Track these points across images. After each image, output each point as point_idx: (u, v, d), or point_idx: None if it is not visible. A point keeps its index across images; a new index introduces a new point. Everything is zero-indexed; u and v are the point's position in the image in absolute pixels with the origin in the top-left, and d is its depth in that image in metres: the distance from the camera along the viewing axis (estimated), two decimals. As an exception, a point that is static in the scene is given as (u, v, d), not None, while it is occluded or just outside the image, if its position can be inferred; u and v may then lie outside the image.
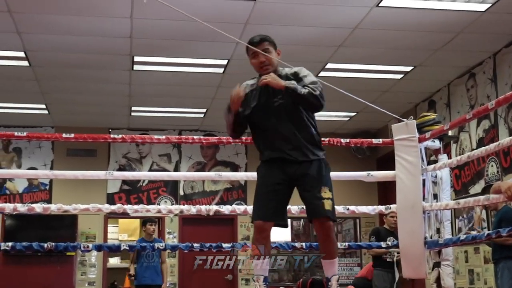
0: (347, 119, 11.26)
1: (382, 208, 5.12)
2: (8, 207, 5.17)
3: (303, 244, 5.29)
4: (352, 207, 5.01)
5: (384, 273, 7.91)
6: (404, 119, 4.73)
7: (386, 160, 10.22)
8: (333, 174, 5.29)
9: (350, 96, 5.12)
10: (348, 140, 5.27)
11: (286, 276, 12.05)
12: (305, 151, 3.80)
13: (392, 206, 4.87)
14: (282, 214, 3.85)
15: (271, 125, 3.82)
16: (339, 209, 4.96)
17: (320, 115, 12.84)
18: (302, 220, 12.26)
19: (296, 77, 3.86)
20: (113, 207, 5.33)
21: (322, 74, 8.55)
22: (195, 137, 5.40)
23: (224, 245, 5.10)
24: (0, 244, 5.08)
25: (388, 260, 7.86)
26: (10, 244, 4.82)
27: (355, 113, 10.89)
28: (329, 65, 8.55)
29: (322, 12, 7.01)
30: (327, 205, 3.67)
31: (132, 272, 8.63)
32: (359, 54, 8.24)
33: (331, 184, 3.85)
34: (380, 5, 6.78)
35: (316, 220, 3.74)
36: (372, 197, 10.97)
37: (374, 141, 5.27)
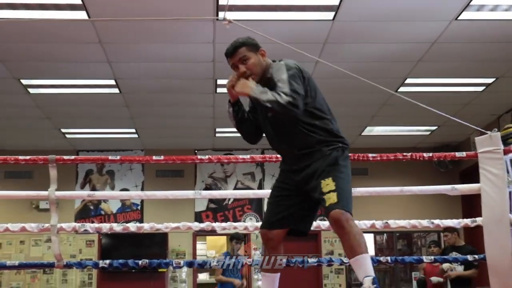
0: (428, 133, 11.05)
1: (467, 221, 4.96)
2: (105, 227, 5.28)
3: (388, 258, 5.19)
4: (436, 221, 4.87)
5: None
6: (487, 131, 4.58)
7: (469, 174, 10.00)
8: (416, 189, 5.20)
9: (431, 110, 5.02)
10: (431, 154, 5.13)
11: None
12: (304, 156, 3.29)
13: (478, 219, 4.71)
14: (298, 221, 3.42)
15: (269, 135, 3.44)
16: (424, 223, 4.83)
17: (400, 130, 12.67)
18: (385, 234, 12.07)
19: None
20: (202, 225, 5.36)
21: (402, 89, 8.42)
22: (278, 155, 5.39)
23: (309, 260, 5.06)
24: (99, 262, 5.18)
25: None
26: (107, 261, 4.90)
27: (436, 127, 10.67)
28: (408, 80, 8.41)
29: (400, 28, 6.92)
30: (329, 199, 3.09)
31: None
32: (438, 68, 8.07)
33: (338, 171, 3.21)
34: (458, 18, 6.63)
35: (328, 219, 3.16)
36: (455, 211, 10.67)
37: (458, 154, 5.11)
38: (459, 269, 8.00)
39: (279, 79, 3.20)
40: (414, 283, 10.28)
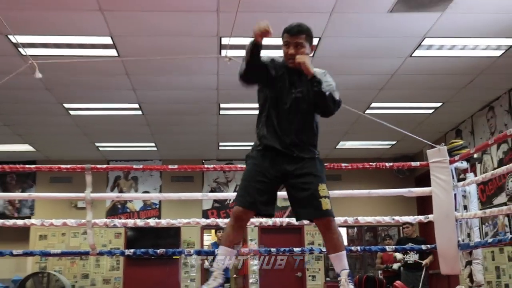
0: (389, 146, 11.09)
1: (421, 217, 4.98)
2: (130, 222, 5.30)
3: (358, 247, 5.20)
4: (397, 217, 4.90)
5: (409, 273, 7.84)
6: (436, 145, 4.61)
7: (423, 179, 9.94)
8: (380, 191, 5.23)
9: (391, 128, 5.05)
10: (391, 164, 5.17)
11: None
12: (305, 149, 2.97)
13: (430, 216, 4.72)
14: (268, 205, 2.97)
15: (281, 113, 2.97)
16: (387, 219, 4.85)
17: (366, 144, 12.67)
18: (355, 228, 12.06)
19: (321, 77, 3.02)
20: (208, 221, 5.36)
21: (368, 111, 8.45)
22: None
23: (295, 249, 5.06)
24: (125, 250, 5.17)
25: (408, 262, 7.83)
26: (132, 250, 4.91)
27: (396, 142, 10.71)
28: (373, 104, 8.45)
29: (366, 63, 6.99)
30: (325, 204, 2.88)
31: None
32: (397, 95, 8.13)
33: (326, 180, 3.01)
34: (412, 55, 6.70)
35: (317, 220, 2.95)
36: (412, 209, 10.66)
37: (413, 164, 5.14)
38: (415, 257, 8.03)
39: (330, 83, 3.02)
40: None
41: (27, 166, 5.03)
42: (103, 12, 5.58)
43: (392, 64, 7.01)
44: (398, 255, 8.30)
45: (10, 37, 5.98)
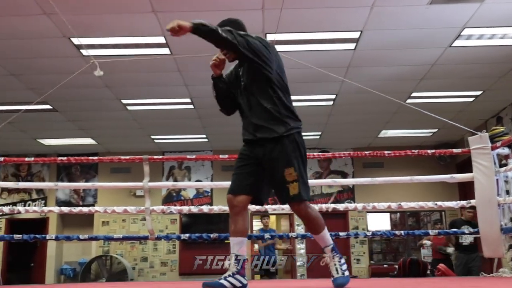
0: (430, 134, 10.83)
1: (463, 203, 4.85)
2: (185, 209, 5.37)
3: (402, 232, 5.11)
4: (439, 203, 4.79)
5: (464, 255, 7.55)
6: (477, 132, 4.47)
7: (464, 165, 9.75)
8: (423, 178, 5.11)
9: (433, 116, 4.93)
10: (433, 151, 5.04)
11: (388, 256, 11.69)
12: (266, 129, 2.75)
13: (472, 201, 4.59)
14: (257, 191, 2.80)
15: (243, 106, 2.89)
16: (429, 204, 4.74)
17: (408, 132, 12.40)
18: (398, 213, 11.87)
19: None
20: (256, 207, 5.38)
21: (409, 101, 8.28)
22: (314, 153, 5.36)
23: (340, 233, 5.01)
24: (180, 235, 5.24)
25: (464, 244, 7.53)
26: (187, 235, 4.97)
27: (437, 130, 10.44)
28: (414, 94, 8.26)
29: (406, 54, 6.82)
30: (293, 189, 2.67)
31: None
32: (437, 84, 7.91)
33: (300, 160, 2.74)
34: (452, 45, 6.51)
35: (289, 204, 2.80)
36: (453, 195, 10.41)
37: (455, 150, 5.00)
38: (470, 239, 7.68)
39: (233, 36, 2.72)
40: (423, 251, 10.06)
41: (90, 158, 5.15)
42: (156, 14, 5.64)
43: (432, 54, 6.83)
44: (427, 242, 8.23)
45: (73, 39, 6.13)
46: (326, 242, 2.88)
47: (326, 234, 2.88)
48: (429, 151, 4.94)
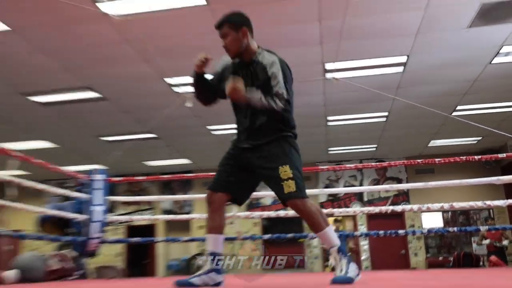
0: (475, 141, 10.21)
1: (511, 201, 4.49)
2: (265, 214, 5.35)
3: (455, 228, 4.80)
4: (488, 202, 4.47)
5: None
6: (521, 138, 4.14)
7: (508, 168, 9.17)
8: (472, 181, 4.78)
9: (477, 126, 4.63)
10: (480, 156, 4.73)
11: (442, 250, 11.05)
12: (262, 134, 2.31)
13: (519, 199, 4.25)
14: (237, 190, 2.38)
15: (237, 108, 2.41)
16: (479, 203, 4.43)
17: (455, 141, 11.70)
18: (449, 212, 11.23)
19: (266, 71, 2.29)
20: (324, 211, 5.27)
21: (454, 113, 7.86)
22: (372, 163, 5.18)
23: (399, 231, 4.79)
24: (263, 236, 5.22)
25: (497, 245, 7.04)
26: (269, 235, 4.96)
27: (481, 137, 9.84)
28: (458, 107, 7.82)
29: (450, 72, 6.49)
30: (287, 187, 2.24)
31: None
32: (479, 98, 7.45)
33: (294, 159, 2.31)
34: (491, 63, 6.12)
35: (286, 202, 2.30)
36: (499, 195, 9.72)
37: (500, 155, 4.68)
38: None
39: (274, 76, 2.26)
40: (474, 245, 9.43)
41: (186, 175, 5.26)
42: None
43: (474, 71, 6.45)
44: (486, 241, 7.72)
45: (166, 79, 6.32)
46: (330, 242, 2.29)
47: (329, 232, 2.30)
48: (476, 157, 4.64)
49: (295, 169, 2.28)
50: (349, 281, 2.20)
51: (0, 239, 12.24)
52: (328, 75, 6.25)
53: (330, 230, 2.31)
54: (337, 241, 2.30)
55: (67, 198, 5.43)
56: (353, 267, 2.26)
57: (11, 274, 3.96)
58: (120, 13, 4.64)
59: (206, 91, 2.44)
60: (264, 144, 2.31)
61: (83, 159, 10.30)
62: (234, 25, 2.30)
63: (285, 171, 2.26)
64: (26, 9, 4.63)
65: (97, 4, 4.52)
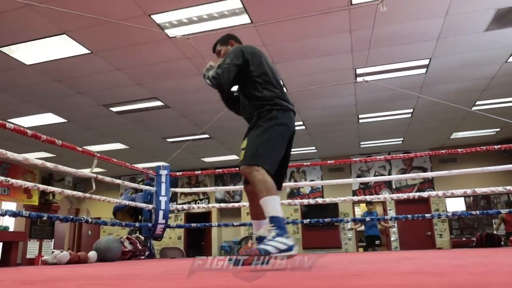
0: (494, 133, 9.77)
1: (530, 186, 4.34)
2: (305, 201, 5.38)
3: (477, 212, 4.67)
4: (508, 187, 4.32)
5: None
6: (539, 129, 3.98)
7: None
8: (492, 168, 4.64)
9: (496, 118, 4.48)
10: (499, 146, 4.57)
11: (465, 231, 10.67)
12: (249, 120, 2.24)
13: (538, 184, 4.09)
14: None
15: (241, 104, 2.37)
16: (500, 188, 4.30)
17: (475, 133, 11.25)
18: (471, 197, 10.82)
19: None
20: (357, 198, 5.25)
21: (474, 108, 7.57)
22: (399, 155, 5.11)
23: (426, 215, 4.72)
24: (303, 220, 5.26)
25: None
26: (308, 220, 4.98)
27: (499, 129, 9.40)
28: (478, 102, 7.51)
29: (469, 71, 6.27)
30: (241, 155, 2.07)
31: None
32: (497, 93, 7.13)
33: (256, 131, 2.12)
34: (508, 61, 5.87)
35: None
36: (519, 180, 9.31)
37: (518, 145, 4.50)
38: None
39: (219, 65, 2.21)
40: (495, 226, 9.06)
41: (236, 168, 5.38)
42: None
43: (491, 70, 6.21)
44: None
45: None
46: (268, 211, 1.91)
47: (270, 201, 1.93)
48: (496, 146, 4.50)
49: (253, 140, 2.09)
50: (264, 253, 1.77)
51: (84, 226, 12.90)
52: (359, 79, 6.21)
53: (271, 200, 1.94)
54: (274, 213, 1.90)
55: (137, 190, 5.69)
56: (281, 240, 1.82)
57: (93, 254, 4.14)
58: (181, 33, 4.81)
59: (236, 102, 2.45)
60: (249, 127, 2.20)
61: (150, 157, 10.68)
62: (223, 41, 2.48)
63: (243, 144, 2.11)
64: (103, 35, 4.89)
65: (164, 30, 4.71)
